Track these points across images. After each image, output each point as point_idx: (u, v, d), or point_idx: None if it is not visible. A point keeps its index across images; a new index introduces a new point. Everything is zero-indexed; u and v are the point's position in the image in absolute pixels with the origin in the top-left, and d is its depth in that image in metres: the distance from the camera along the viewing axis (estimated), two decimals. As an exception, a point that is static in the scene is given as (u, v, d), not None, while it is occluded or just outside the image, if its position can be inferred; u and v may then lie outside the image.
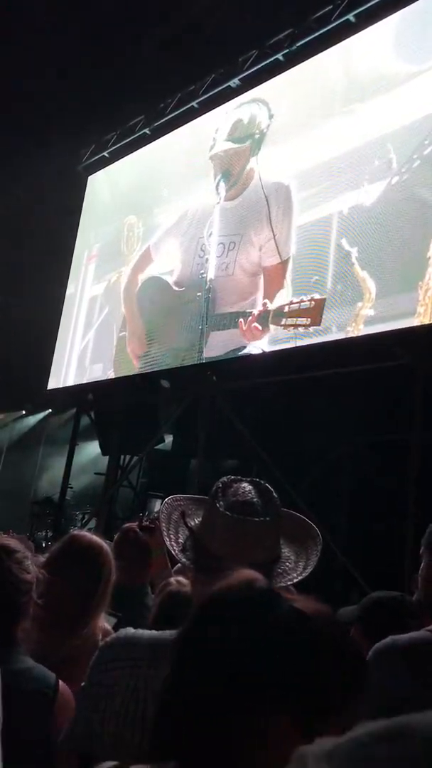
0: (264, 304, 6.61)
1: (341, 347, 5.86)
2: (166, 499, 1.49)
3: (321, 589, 1.16)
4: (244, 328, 6.69)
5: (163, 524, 1.44)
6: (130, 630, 1.30)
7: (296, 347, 6.17)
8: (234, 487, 1.36)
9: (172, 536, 1.41)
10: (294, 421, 7.07)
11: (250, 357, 6.66)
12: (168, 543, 1.41)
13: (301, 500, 5.67)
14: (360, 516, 6.98)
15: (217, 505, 1.32)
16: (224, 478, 1.39)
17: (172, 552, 1.40)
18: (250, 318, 6.66)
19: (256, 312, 6.62)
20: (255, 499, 1.33)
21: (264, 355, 6.51)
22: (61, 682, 1.53)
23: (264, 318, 6.54)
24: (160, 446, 9.17)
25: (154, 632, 1.29)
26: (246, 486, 1.36)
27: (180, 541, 1.39)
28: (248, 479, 1.40)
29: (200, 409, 7.36)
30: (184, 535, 1.39)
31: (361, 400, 6.49)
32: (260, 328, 6.53)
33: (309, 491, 6.50)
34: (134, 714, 1.16)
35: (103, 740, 1.17)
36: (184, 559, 1.35)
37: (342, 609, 2.40)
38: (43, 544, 8.29)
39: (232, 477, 1.39)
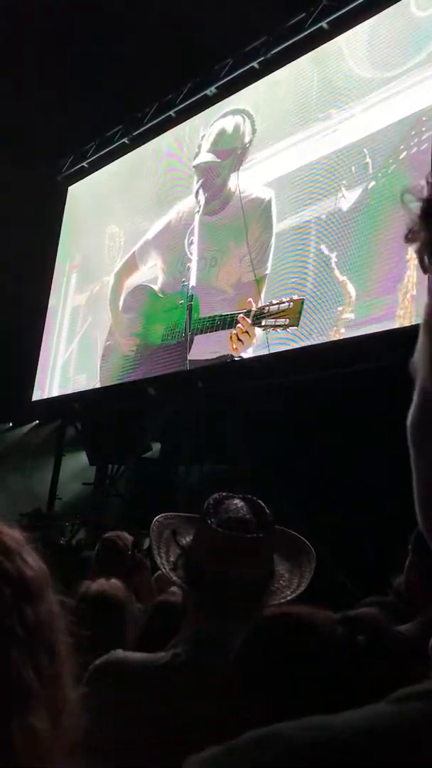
0: (249, 302, 6.63)
1: (323, 351, 5.90)
2: (156, 518, 1.47)
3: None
4: (234, 345, 6.66)
5: (154, 543, 1.41)
6: (120, 652, 1.29)
7: (280, 352, 6.20)
8: (226, 504, 1.34)
9: (162, 555, 1.38)
10: (281, 425, 7.09)
11: (235, 362, 6.68)
12: (159, 562, 1.38)
13: (290, 506, 5.68)
14: (351, 520, 7.00)
15: (209, 521, 1.29)
16: (216, 495, 1.37)
17: (163, 570, 1.37)
18: (237, 328, 6.63)
19: (240, 322, 6.64)
20: (248, 516, 1.31)
21: (249, 361, 6.54)
22: None
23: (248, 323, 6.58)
24: (147, 454, 9.16)
25: (143, 655, 1.28)
26: (238, 502, 1.34)
27: (171, 559, 1.36)
28: (240, 495, 1.38)
29: (187, 416, 7.36)
30: (175, 554, 1.36)
31: (345, 403, 6.52)
32: (249, 334, 6.56)
33: (298, 496, 6.51)
34: (123, 739, 1.14)
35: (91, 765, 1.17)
36: (175, 578, 1.33)
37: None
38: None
39: (224, 493, 1.37)
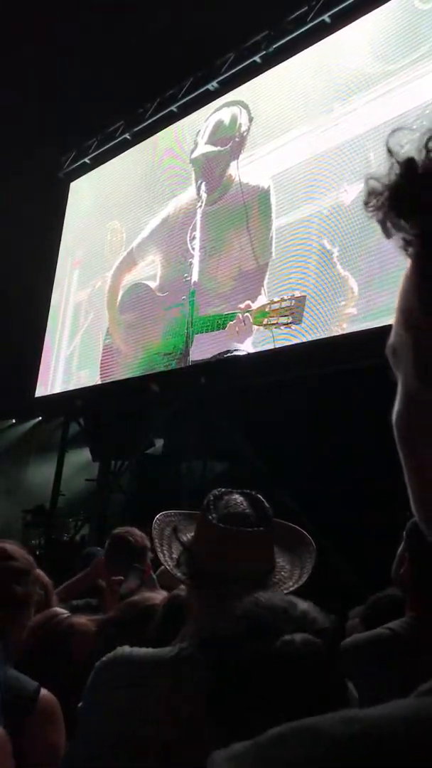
0: (247, 305, 6.64)
1: (325, 346, 5.88)
2: (157, 516, 1.48)
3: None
4: (236, 330, 6.69)
5: (156, 540, 1.42)
6: (126, 648, 1.29)
7: (283, 347, 6.19)
8: (225, 500, 1.34)
9: (165, 552, 1.39)
10: (284, 421, 7.08)
11: (237, 359, 6.67)
12: (162, 559, 1.40)
13: (294, 502, 5.69)
14: (354, 515, 6.99)
15: (209, 517, 1.30)
16: (215, 491, 1.37)
17: (167, 567, 1.38)
18: (235, 319, 6.67)
19: (241, 313, 6.64)
20: (247, 510, 1.32)
21: (251, 357, 6.53)
22: (44, 692, 1.52)
23: (248, 316, 6.57)
24: (150, 450, 9.16)
25: (149, 650, 1.28)
26: (237, 497, 1.35)
27: (174, 556, 1.37)
28: (239, 491, 1.38)
29: (189, 412, 7.36)
30: (178, 550, 1.37)
31: (348, 399, 6.51)
32: (245, 326, 6.57)
33: (301, 493, 6.51)
34: (131, 735, 1.14)
35: (100, 762, 1.16)
36: (179, 575, 1.34)
37: (355, 608, 2.47)
38: (36, 552, 8.28)
39: (223, 489, 1.38)
